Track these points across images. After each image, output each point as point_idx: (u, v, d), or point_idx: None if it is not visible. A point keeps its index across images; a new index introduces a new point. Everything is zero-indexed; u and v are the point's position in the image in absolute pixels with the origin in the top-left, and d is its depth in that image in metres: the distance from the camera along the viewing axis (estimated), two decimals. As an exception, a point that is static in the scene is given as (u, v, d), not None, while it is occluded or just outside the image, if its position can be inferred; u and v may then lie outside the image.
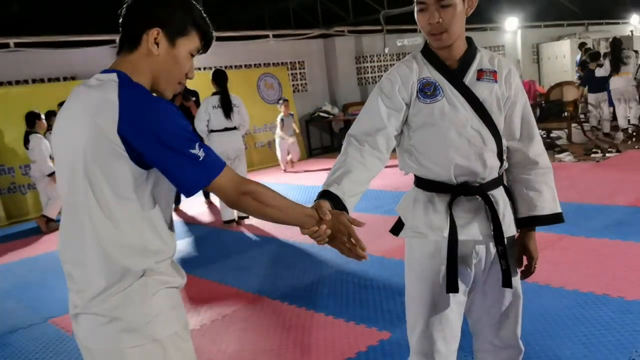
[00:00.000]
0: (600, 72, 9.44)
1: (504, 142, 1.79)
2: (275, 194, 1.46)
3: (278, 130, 9.44)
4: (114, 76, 1.35)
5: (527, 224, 1.84)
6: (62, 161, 1.38)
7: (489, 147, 1.74)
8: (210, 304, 3.87)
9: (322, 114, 11.18)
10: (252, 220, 6.11)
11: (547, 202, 1.81)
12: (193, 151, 1.31)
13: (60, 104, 7.03)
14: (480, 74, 1.76)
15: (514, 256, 1.87)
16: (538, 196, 1.81)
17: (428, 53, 1.80)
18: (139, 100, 1.31)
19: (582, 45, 12.60)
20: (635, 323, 2.93)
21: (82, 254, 1.36)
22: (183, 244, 5.61)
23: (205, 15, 1.47)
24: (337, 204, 1.64)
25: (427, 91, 1.74)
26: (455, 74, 1.75)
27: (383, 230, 2.38)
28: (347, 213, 1.64)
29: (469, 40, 1.81)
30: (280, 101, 9.47)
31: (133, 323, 1.35)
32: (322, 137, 11.67)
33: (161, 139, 1.28)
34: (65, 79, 8.64)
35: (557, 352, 2.74)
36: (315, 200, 1.65)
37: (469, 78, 1.75)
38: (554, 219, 1.82)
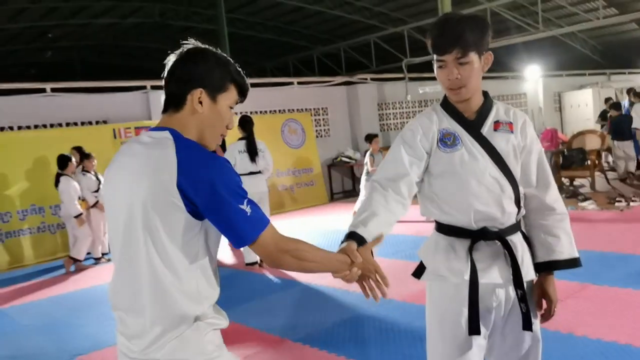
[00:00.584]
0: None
1: (521, 190, 1.87)
2: (310, 247, 1.53)
3: (368, 168, 8.03)
4: (167, 134, 1.47)
5: (546, 268, 1.90)
6: (118, 215, 1.48)
7: (506, 194, 1.83)
8: (233, 345, 3.92)
9: (344, 158, 11.34)
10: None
11: (565, 247, 1.88)
12: (242, 206, 1.40)
13: (77, 148, 7.28)
14: (497, 125, 1.87)
15: (532, 300, 1.91)
16: (556, 241, 1.88)
17: (447, 105, 1.91)
18: (196, 155, 1.43)
19: (607, 100, 12.70)
20: (660, 374, 2.91)
21: (138, 302, 1.45)
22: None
23: (239, 69, 1.59)
24: (362, 245, 1.71)
25: (447, 141, 1.85)
26: (473, 125, 1.86)
27: (404, 275, 2.44)
28: (372, 254, 1.72)
29: (485, 93, 1.93)
30: (370, 138, 8.26)
31: None
32: (344, 181, 11.79)
33: (216, 190, 1.39)
34: (97, 122, 8.95)
35: (579, 401, 2.72)
36: (342, 242, 1.72)
37: (487, 129, 1.86)
38: (572, 263, 1.89)
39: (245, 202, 1.41)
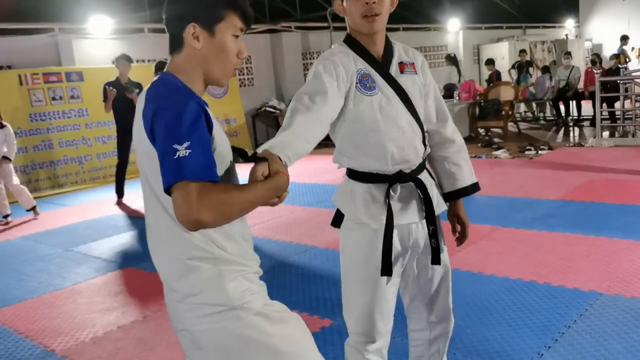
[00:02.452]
0: None
1: (424, 125, 1.92)
2: (227, 196, 1.24)
3: None
4: (158, 78, 1.41)
5: (454, 197, 2.01)
6: (139, 152, 1.43)
7: (417, 136, 1.87)
8: (154, 295, 3.87)
9: (268, 108, 11.21)
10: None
11: (467, 174, 2.00)
12: (176, 146, 1.21)
13: None
14: (402, 66, 1.87)
15: (442, 234, 2.00)
16: (459, 170, 1.99)
17: (355, 45, 1.85)
18: (158, 92, 1.35)
19: (521, 52, 13.22)
20: (559, 307, 3.16)
21: (155, 246, 1.46)
22: (126, 237, 5.55)
23: None
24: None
25: (366, 83, 1.80)
26: (382, 67, 1.84)
27: (326, 223, 2.47)
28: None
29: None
30: None
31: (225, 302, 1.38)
32: (269, 131, 11.70)
33: (156, 123, 1.27)
34: (1, 67, 8.31)
35: (486, 334, 2.92)
36: (253, 156, 1.40)
37: (394, 71, 1.86)
38: (474, 188, 2.02)
39: (182, 143, 1.21)
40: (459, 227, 2.07)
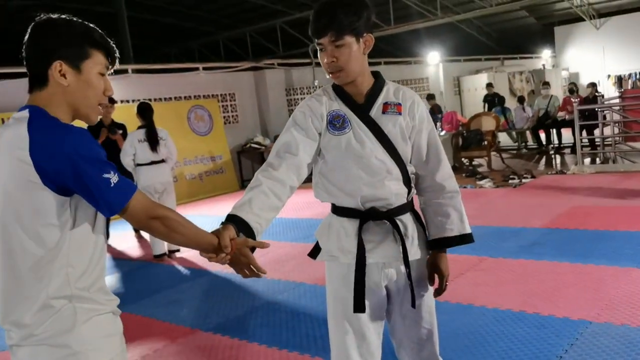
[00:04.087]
0: None
1: (410, 170, 1.92)
2: (183, 220, 1.50)
3: None
4: (26, 112, 1.40)
5: (437, 245, 1.96)
6: None
7: (393, 176, 1.86)
8: (141, 339, 3.80)
9: (253, 145, 11.25)
10: (183, 253, 6.05)
11: (455, 224, 1.93)
12: (106, 175, 1.36)
13: None
14: (386, 107, 1.88)
15: (426, 277, 1.98)
16: (446, 219, 1.94)
17: (337, 88, 1.92)
18: (47, 129, 1.36)
19: (488, 85, 13.59)
20: (549, 337, 3.15)
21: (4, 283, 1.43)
22: (112, 279, 5.46)
23: (101, 31, 1.50)
24: (242, 227, 1.68)
25: (336, 123, 1.86)
26: (361, 108, 1.87)
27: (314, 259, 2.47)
28: (255, 238, 1.70)
29: (376, 74, 1.94)
30: None
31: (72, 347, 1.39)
32: (254, 167, 11.71)
33: (74, 162, 1.33)
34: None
35: (478, 367, 2.90)
36: (221, 224, 1.68)
37: (375, 111, 1.88)
38: (462, 239, 1.95)
39: (109, 171, 1.37)
40: (436, 278, 1.98)
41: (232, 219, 1.68)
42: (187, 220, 1.52)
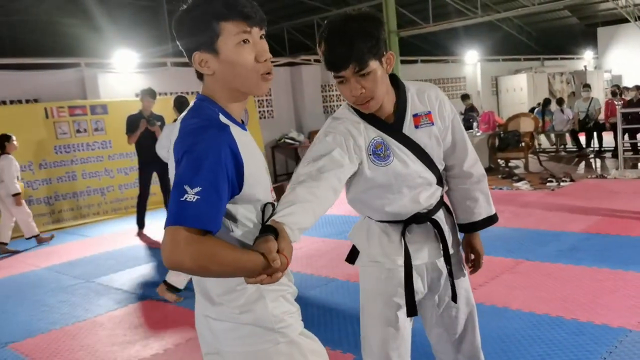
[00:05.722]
0: None
1: (441, 168, 1.89)
2: (216, 247, 1.20)
3: None
4: (194, 104, 1.40)
5: (468, 229, 2.00)
6: None
7: (433, 185, 1.85)
8: (175, 328, 3.86)
9: (288, 140, 11.30)
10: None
11: (483, 208, 1.96)
12: (186, 187, 1.19)
13: None
14: (417, 120, 1.77)
15: (462, 268, 1.99)
16: (474, 204, 1.95)
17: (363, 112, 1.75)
18: (187, 126, 1.34)
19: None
20: (587, 344, 3.07)
21: None
22: (147, 268, 5.57)
23: None
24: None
25: (380, 153, 1.73)
26: (394, 127, 1.75)
27: (346, 256, 2.46)
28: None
29: (395, 81, 1.78)
30: None
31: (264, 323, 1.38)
32: (288, 163, 11.77)
33: (183, 163, 1.24)
34: (28, 101, 8.53)
35: (513, 371, 2.85)
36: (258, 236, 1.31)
37: (407, 127, 1.76)
38: (490, 220, 1.98)
39: (194, 187, 1.18)
40: (472, 257, 2.06)
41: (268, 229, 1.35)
42: (218, 247, 1.20)
